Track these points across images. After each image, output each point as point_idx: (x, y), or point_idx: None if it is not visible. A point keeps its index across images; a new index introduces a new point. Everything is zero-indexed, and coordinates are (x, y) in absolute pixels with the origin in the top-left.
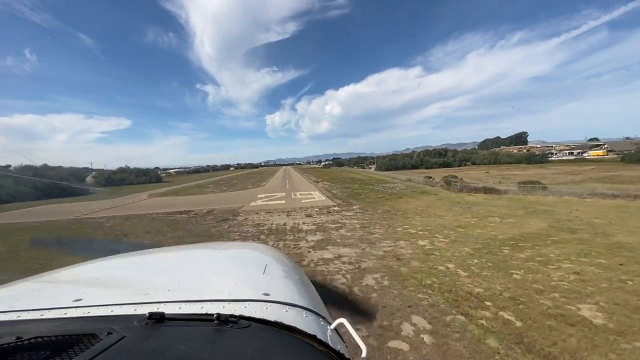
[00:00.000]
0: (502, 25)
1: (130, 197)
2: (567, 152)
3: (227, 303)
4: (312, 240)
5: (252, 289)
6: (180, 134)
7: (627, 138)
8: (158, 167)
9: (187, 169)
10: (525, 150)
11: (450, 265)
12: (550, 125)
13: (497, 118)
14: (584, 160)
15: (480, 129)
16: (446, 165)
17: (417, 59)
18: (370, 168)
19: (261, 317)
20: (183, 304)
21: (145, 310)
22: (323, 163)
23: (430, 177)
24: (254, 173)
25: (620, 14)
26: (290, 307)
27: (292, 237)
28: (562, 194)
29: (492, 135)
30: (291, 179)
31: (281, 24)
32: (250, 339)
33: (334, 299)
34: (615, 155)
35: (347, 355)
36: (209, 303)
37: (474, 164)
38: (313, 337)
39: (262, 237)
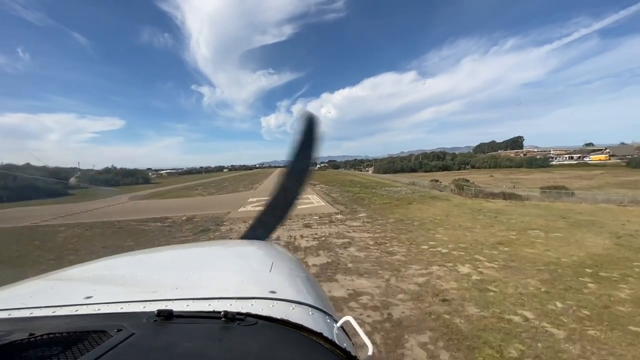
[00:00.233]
0: (496, 31)
1: (109, 200)
2: (566, 156)
3: (234, 301)
4: (315, 265)
5: (259, 286)
6: (175, 135)
7: (623, 143)
8: (150, 168)
9: (179, 170)
10: (522, 155)
11: (528, 314)
12: (543, 130)
13: (490, 123)
14: (587, 164)
15: (473, 134)
16: (445, 168)
17: (412, 63)
18: (367, 171)
19: (268, 315)
20: (191, 301)
21: (153, 307)
22: (318, 165)
23: (437, 181)
24: (247, 175)
25: (611, 22)
26: (297, 304)
27: None
28: (595, 201)
29: (486, 139)
30: None
31: (277, 27)
32: (257, 337)
33: None
34: (619, 160)
35: (353, 353)
36: (216, 300)
37: (473, 167)
38: (319, 335)
39: None
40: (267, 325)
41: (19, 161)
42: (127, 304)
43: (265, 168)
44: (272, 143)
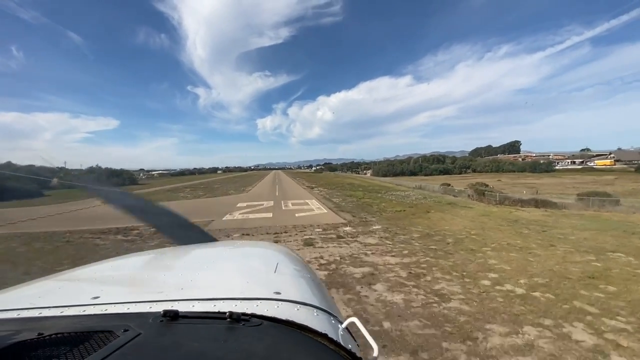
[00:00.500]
0: (490, 38)
1: (81, 203)
2: (568, 161)
3: (239, 301)
4: None
5: (264, 287)
6: (170, 136)
7: (620, 149)
8: (143, 169)
9: (172, 171)
10: (521, 159)
11: None
12: (536, 135)
13: (484, 128)
14: (593, 169)
15: (467, 138)
16: (446, 172)
17: (408, 68)
18: (365, 173)
19: (272, 316)
20: (196, 302)
21: (159, 308)
22: (314, 168)
23: (449, 185)
24: (241, 176)
25: (602, 30)
26: (302, 305)
27: None
28: None
29: (479, 144)
30: (281, 183)
31: (274, 29)
32: (261, 337)
33: None
34: (625, 165)
35: (358, 355)
36: (221, 301)
37: (474, 171)
38: (324, 336)
39: None
40: (272, 326)
41: (13, 160)
42: (134, 304)
43: (260, 170)
44: (267, 145)
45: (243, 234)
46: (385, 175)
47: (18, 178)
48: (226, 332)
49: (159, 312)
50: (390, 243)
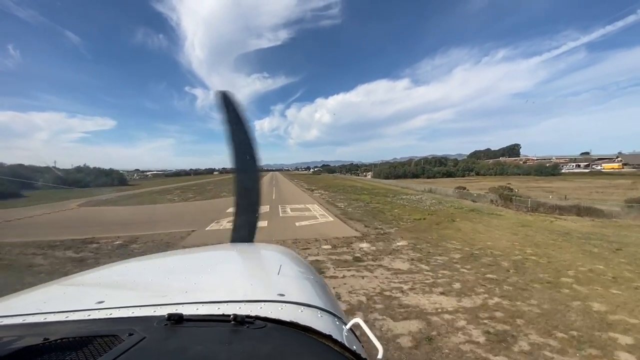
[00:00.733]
0: (487, 42)
1: (53, 206)
2: (572, 165)
3: (243, 304)
4: None
5: (267, 289)
6: (167, 137)
7: (620, 152)
8: (138, 169)
9: (167, 172)
10: (522, 162)
11: None
12: (533, 139)
13: (481, 131)
14: (602, 173)
15: (464, 142)
16: (449, 174)
17: (406, 71)
18: (365, 175)
19: (277, 318)
20: (200, 305)
21: (164, 311)
22: (312, 170)
23: (464, 188)
24: None
25: (598, 36)
26: (306, 307)
27: None
28: None
29: (476, 147)
30: (279, 185)
31: (273, 31)
32: (266, 340)
33: None
34: (634, 169)
35: (363, 356)
36: (225, 304)
37: (477, 174)
38: (329, 338)
39: None
40: (276, 328)
41: (7, 160)
42: (138, 308)
43: None
44: (265, 147)
45: None
46: (386, 178)
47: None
48: (231, 334)
49: (164, 316)
50: (428, 269)
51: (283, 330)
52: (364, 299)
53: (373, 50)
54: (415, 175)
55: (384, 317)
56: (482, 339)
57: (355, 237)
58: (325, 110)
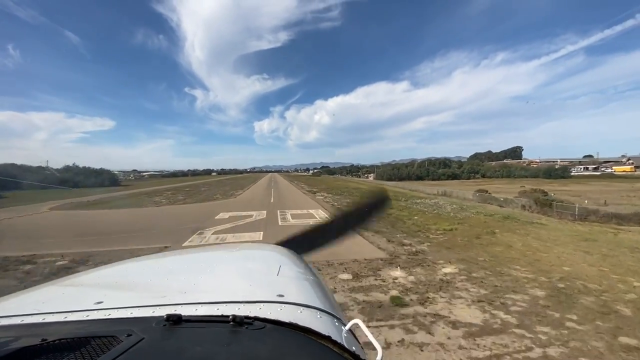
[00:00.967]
0: (486, 45)
1: (24, 209)
2: (581, 167)
3: (242, 304)
4: None
5: (267, 290)
6: (166, 137)
7: (623, 155)
8: (135, 170)
9: (164, 173)
10: (525, 164)
11: None
12: (532, 142)
13: (480, 134)
14: (614, 176)
15: (464, 144)
16: (455, 176)
17: (405, 73)
18: (367, 177)
19: (276, 319)
20: (199, 305)
21: (162, 312)
22: (312, 171)
23: (486, 192)
24: (234, 179)
25: (597, 39)
26: (305, 308)
27: None
28: None
29: (475, 150)
30: (278, 187)
31: (273, 33)
32: (265, 340)
33: None
34: None
35: (362, 356)
36: (224, 305)
37: (483, 176)
38: (328, 338)
39: None
40: (276, 329)
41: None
42: (137, 308)
43: (256, 172)
44: (264, 148)
45: None
46: (390, 179)
47: None
48: (230, 335)
49: (162, 317)
50: (516, 323)
51: (282, 331)
52: None
53: (372, 53)
54: (419, 177)
55: None
56: None
57: (381, 259)
58: (325, 112)
